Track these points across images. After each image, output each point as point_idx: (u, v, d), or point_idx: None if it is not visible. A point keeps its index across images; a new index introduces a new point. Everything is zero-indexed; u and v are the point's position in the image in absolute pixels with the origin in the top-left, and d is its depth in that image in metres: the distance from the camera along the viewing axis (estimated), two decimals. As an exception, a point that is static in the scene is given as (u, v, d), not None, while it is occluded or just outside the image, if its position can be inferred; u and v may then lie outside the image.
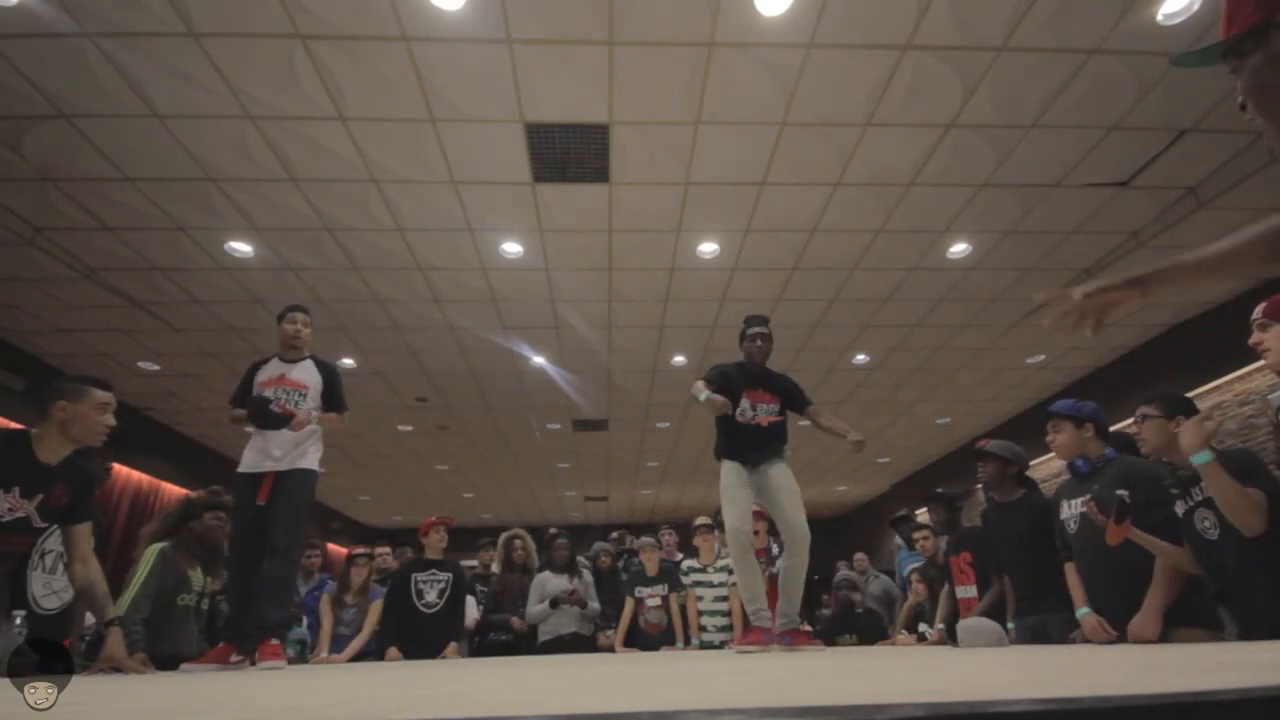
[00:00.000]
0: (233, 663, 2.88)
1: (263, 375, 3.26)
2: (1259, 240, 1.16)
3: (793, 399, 3.50)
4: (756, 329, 3.49)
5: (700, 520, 4.92)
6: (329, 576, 4.94)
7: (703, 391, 3.10)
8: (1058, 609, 2.90)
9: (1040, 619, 3.00)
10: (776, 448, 3.36)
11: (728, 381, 3.32)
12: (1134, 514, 2.36)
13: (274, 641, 2.99)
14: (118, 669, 2.37)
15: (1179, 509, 2.34)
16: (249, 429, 3.20)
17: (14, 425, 5.98)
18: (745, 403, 3.35)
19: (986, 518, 3.44)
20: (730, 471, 3.28)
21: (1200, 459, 2.09)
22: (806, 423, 3.59)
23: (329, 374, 3.38)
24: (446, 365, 7.34)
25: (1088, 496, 2.55)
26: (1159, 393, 2.44)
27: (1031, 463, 3.39)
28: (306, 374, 3.30)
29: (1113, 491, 2.39)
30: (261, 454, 3.14)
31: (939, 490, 4.34)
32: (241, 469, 3.15)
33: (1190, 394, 6.42)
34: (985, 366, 7.77)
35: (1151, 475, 2.53)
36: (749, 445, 3.32)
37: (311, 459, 3.22)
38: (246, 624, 2.98)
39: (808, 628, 3.38)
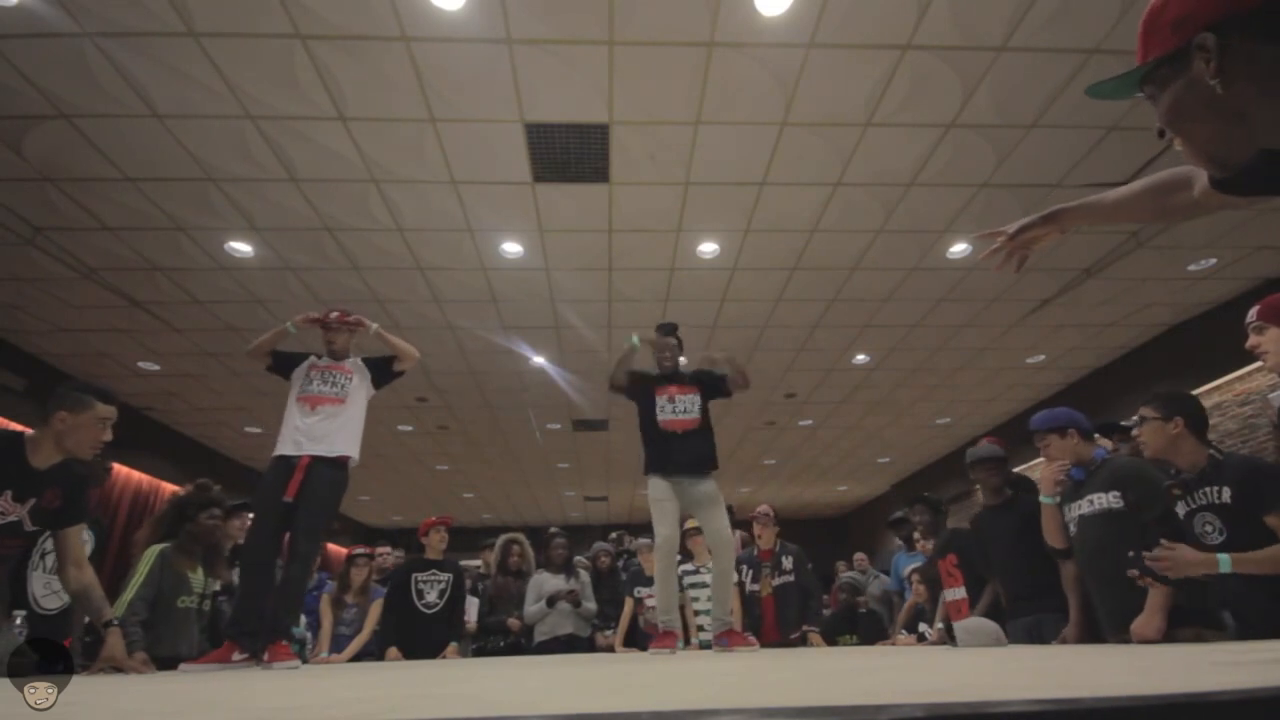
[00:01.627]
0: (235, 661, 2.83)
1: (312, 361, 3.37)
2: (1148, 191, 1.30)
3: (713, 383, 3.56)
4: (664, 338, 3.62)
5: (691, 523, 4.93)
6: (329, 576, 4.94)
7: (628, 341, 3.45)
8: (1053, 609, 2.91)
9: (1036, 619, 3.01)
10: (701, 461, 3.42)
11: (640, 379, 3.51)
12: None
13: (284, 643, 3.01)
14: (118, 669, 2.37)
15: (1180, 510, 2.33)
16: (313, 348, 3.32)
17: (15, 425, 5.98)
18: (660, 399, 3.42)
19: (977, 522, 3.45)
20: (656, 486, 3.37)
21: (1224, 567, 2.02)
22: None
23: (368, 362, 3.50)
24: (446, 365, 7.34)
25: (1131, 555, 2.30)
26: (1157, 392, 2.40)
27: (1031, 463, 3.40)
28: (354, 365, 3.42)
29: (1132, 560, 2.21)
30: (301, 437, 3.15)
31: (924, 494, 4.36)
32: (279, 452, 3.14)
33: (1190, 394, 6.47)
34: (985, 366, 7.77)
35: (1140, 474, 2.53)
36: (671, 455, 3.39)
37: (352, 446, 3.25)
38: (252, 623, 2.94)
39: (746, 632, 3.53)
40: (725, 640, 3.27)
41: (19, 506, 2.26)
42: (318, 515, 3.11)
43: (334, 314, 3.39)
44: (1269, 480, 2.12)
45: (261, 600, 2.99)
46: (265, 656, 2.94)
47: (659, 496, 3.36)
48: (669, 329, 3.67)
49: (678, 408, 3.41)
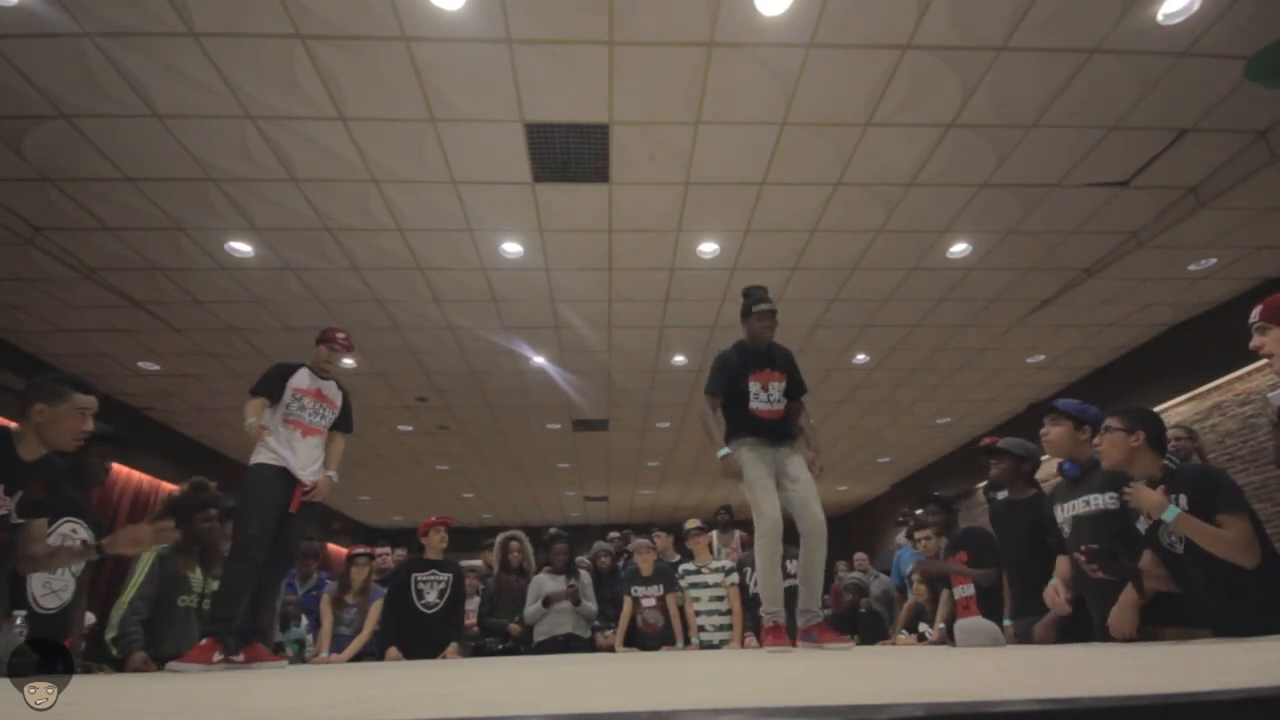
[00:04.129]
0: (216, 663, 2.76)
1: (299, 382, 3.32)
2: None
3: (792, 381, 3.38)
4: (764, 306, 3.31)
5: (691, 523, 4.93)
6: (328, 576, 4.94)
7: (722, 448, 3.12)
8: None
9: (1038, 618, 3.01)
10: (790, 432, 3.23)
11: (729, 376, 3.22)
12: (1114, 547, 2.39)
13: (261, 645, 3.12)
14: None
15: (1141, 525, 2.35)
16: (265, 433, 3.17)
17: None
18: (754, 386, 3.20)
19: (994, 515, 3.44)
20: (753, 460, 3.08)
21: (1168, 515, 2.15)
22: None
23: (345, 397, 3.55)
24: (446, 365, 7.34)
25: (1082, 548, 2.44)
26: (1122, 406, 2.44)
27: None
28: (335, 394, 3.47)
29: (1096, 547, 2.36)
30: (296, 462, 3.18)
31: (936, 493, 4.34)
32: (276, 463, 3.12)
33: (1190, 394, 6.49)
34: (985, 366, 7.77)
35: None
36: (761, 429, 3.17)
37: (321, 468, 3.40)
38: (237, 620, 2.95)
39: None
40: (814, 635, 2.95)
41: (9, 500, 2.25)
42: (304, 528, 3.31)
43: (340, 335, 3.46)
44: (1217, 484, 2.21)
45: (246, 598, 3.02)
46: (240, 657, 2.97)
47: (758, 472, 3.07)
48: (763, 296, 3.42)
49: (770, 397, 3.24)
